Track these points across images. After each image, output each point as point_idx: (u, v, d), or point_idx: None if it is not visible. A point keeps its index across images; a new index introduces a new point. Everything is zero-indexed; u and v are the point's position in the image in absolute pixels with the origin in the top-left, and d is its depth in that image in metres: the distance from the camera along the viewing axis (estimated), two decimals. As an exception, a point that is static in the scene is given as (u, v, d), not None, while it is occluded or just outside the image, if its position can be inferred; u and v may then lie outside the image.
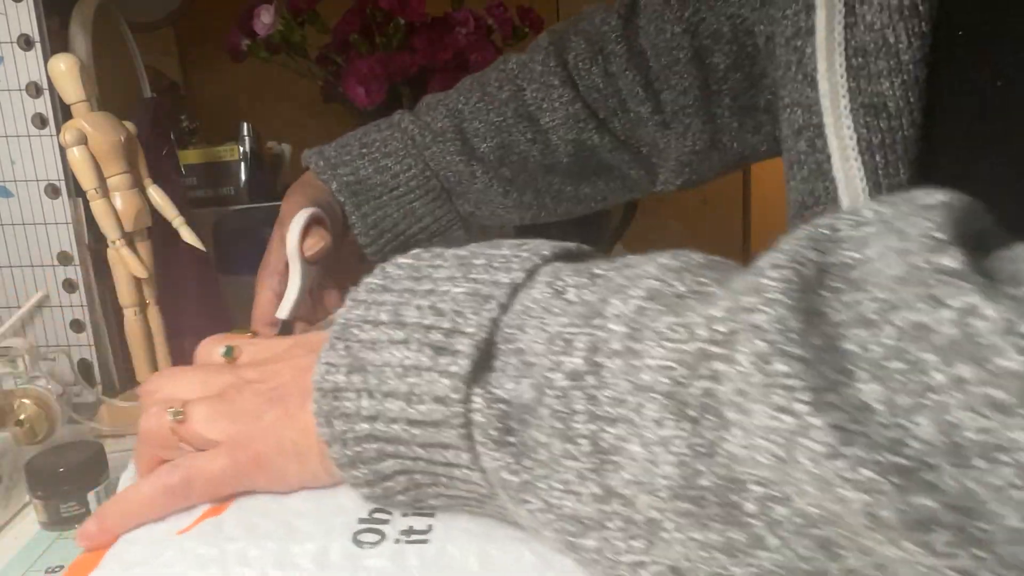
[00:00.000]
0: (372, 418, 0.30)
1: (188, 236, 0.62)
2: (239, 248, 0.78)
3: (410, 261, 0.33)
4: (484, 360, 0.29)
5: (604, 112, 0.64)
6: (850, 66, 0.40)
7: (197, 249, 0.63)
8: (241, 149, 0.88)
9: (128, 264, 0.59)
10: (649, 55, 0.63)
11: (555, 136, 0.64)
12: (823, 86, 0.42)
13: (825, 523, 0.23)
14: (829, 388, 0.22)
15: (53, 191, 0.60)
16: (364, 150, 0.64)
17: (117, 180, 0.58)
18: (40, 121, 0.59)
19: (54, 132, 0.59)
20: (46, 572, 0.42)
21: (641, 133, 0.65)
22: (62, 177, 0.60)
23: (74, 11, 0.63)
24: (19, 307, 0.62)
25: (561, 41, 0.65)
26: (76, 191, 0.60)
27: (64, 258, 0.61)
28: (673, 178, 0.66)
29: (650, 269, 0.28)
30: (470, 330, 0.29)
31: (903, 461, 0.21)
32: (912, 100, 0.39)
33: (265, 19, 0.98)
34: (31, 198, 0.60)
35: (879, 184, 0.40)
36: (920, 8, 0.38)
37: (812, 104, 0.43)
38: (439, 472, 0.31)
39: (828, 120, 0.42)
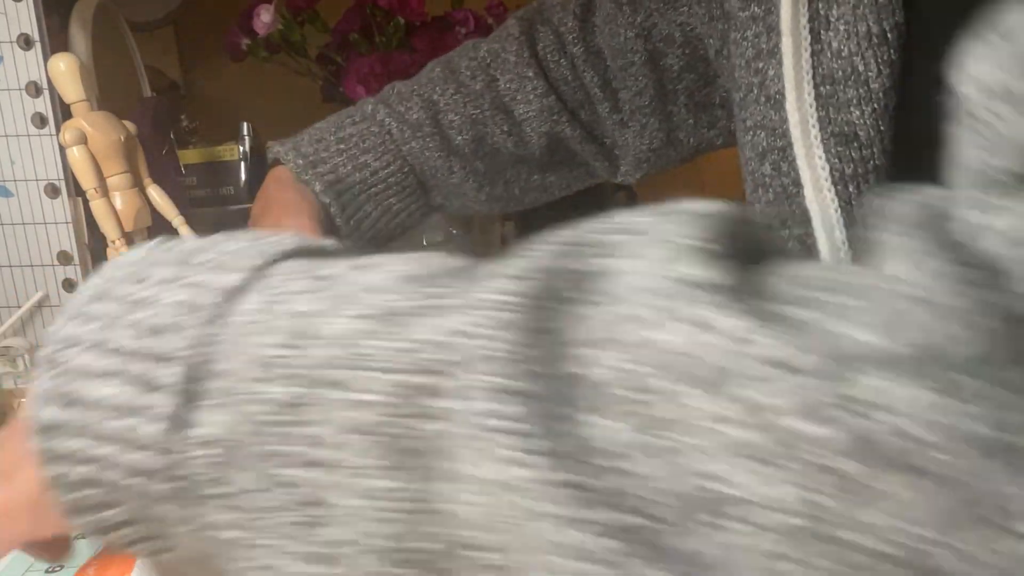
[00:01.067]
0: (90, 462, 0.26)
1: (188, 236, 0.62)
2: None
3: (136, 256, 0.28)
4: (195, 391, 0.25)
5: (573, 104, 0.64)
6: (819, 94, 0.40)
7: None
8: (241, 149, 0.88)
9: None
10: (606, 55, 0.64)
11: (529, 128, 0.64)
12: (793, 116, 0.41)
13: None
14: (545, 431, 0.19)
15: (53, 191, 0.60)
16: (341, 146, 0.61)
17: (117, 180, 0.58)
18: (40, 121, 0.59)
19: (54, 132, 0.59)
20: (46, 572, 0.42)
21: (603, 128, 0.65)
22: (62, 177, 0.60)
23: (74, 11, 0.63)
24: (19, 307, 0.62)
25: (531, 30, 0.65)
26: (76, 191, 0.60)
27: (64, 258, 0.61)
28: (632, 171, 0.67)
29: (377, 278, 0.24)
30: (181, 353, 0.25)
31: (629, 518, 0.18)
32: (883, 129, 0.38)
33: (265, 18, 0.98)
34: (31, 198, 0.60)
35: (852, 215, 0.40)
36: (888, 36, 0.38)
37: (776, 127, 0.43)
38: (156, 529, 0.26)
39: (799, 150, 0.41)
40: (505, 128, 0.64)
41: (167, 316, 0.25)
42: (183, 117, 0.98)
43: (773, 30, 0.42)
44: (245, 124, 0.89)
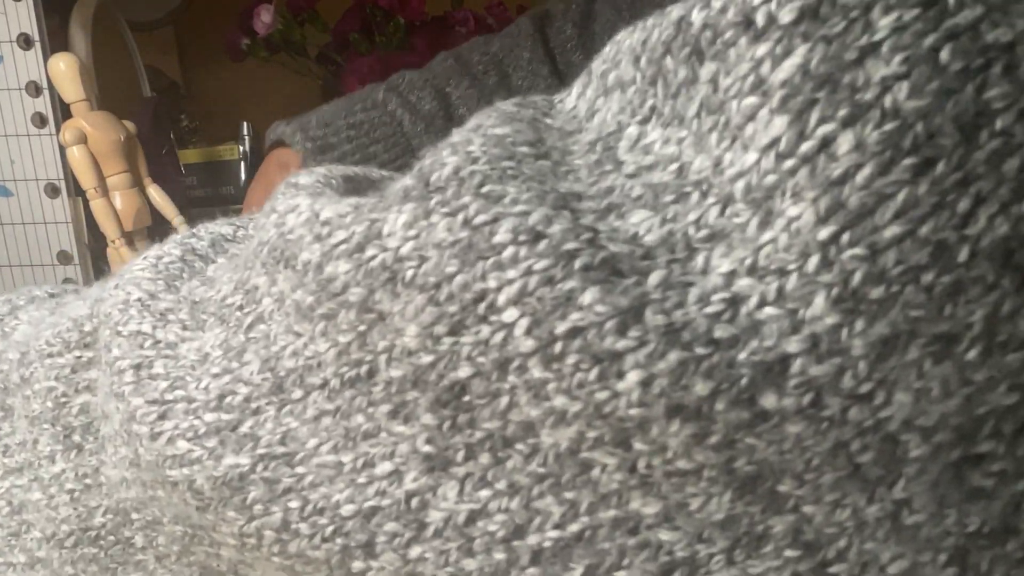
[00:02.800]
0: None
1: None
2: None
3: None
4: None
5: None
6: None
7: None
8: (241, 148, 0.88)
9: (128, 263, 0.59)
10: None
11: None
12: None
13: (193, 541, 0.20)
14: (161, 354, 0.19)
15: (53, 190, 0.60)
16: (352, 132, 0.60)
17: (117, 179, 0.58)
18: (40, 120, 0.59)
19: (54, 131, 0.59)
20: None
21: None
22: (62, 176, 0.60)
23: (74, 10, 0.63)
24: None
25: (542, 29, 0.64)
26: (76, 190, 0.60)
27: (64, 257, 0.61)
28: None
29: (92, 290, 0.25)
30: None
31: (223, 416, 0.18)
32: None
33: (265, 18, 0.98)
34: (31, 197, 0.60)
35: None
36: None
37: None
38: None
39: None
40: None
41: None
42: (183, 117, 0.98)
43: None
44: (245, 124, 0.89)
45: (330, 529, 0.17)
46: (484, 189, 0.15)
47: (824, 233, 0.13)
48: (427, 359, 0.16)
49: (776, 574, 0.15)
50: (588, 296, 0.14)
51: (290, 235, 0.18)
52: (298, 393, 0.18)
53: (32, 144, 0.60)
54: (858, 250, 0.13)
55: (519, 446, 0.16)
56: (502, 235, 0.15)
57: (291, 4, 0.99)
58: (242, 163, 0.88)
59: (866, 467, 0.14)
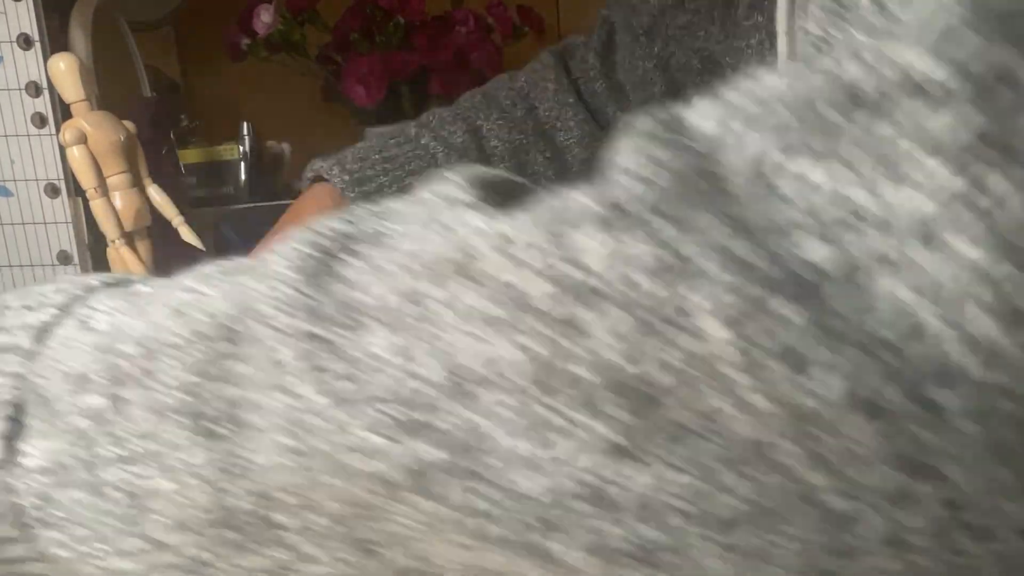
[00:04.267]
0: None
1: (188, 236, 0.62)
2: (239, 248, 0.78)
3: None
4: (21, 426, 0.25)
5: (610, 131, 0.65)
6: None
7: (197, 249, 0.63)
8: (241, 148, 0.88)
9: (128, 264, 0.59)
10: (628, 90, 0.64)
11: (570, 156, 0.64)
12: None
13: (358, 520, 0.21)
14: (332, 354, 0.20)
15: (53, 191, 0.60)
16: (387, 165, 0.61)
17: (117, 179, 0.58)
18: (40, 120, 0.59)
19: (54, 131, 0.59)
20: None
21: None
22: (62, 176, 0.60)
23: (74, 10, 0.63)
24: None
25: (564, 62, 0.66)
26: (76, 190, 0.60)
27: (64, 258, 0.61)
28: None
29: (184, 281, 0.25)
30: (2, 397, 0.25)
31: (409, 412, 0.20)
32: None
33: (265, 18, 0.98)
34: (31, 197, 0.60)
35: None
36: None
37: None
38: (14, 571, 0.26)
39: None
40: (548, 155, 0.64)
41: None
42: (183, 117, 0.98)
43: (774, 36, 0.43)
44: (245, 124, 0.89)
45: (521, 511, 0.19)
46: (672, 213, 0.18)
47: (992, 266, 0.16)
48: (621, 363, 0.18)
49: (923, 524, 0.17)
50: (787, 312, 0.16)
51: (473, 252, 0.19)
52: (482, 392, 0.19)
53: (32, 144, 0.60)
54: (1020, 277, 0.16)
55: (707, 434, 0.18)
56: (698, 257, 0.17)
57: (291, 4, 0.99)
58: (242, 163, 0.88)
59: (1015, 449, 0.16)
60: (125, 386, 0.24)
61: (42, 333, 0.26)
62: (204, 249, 0.63)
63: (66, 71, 0.56)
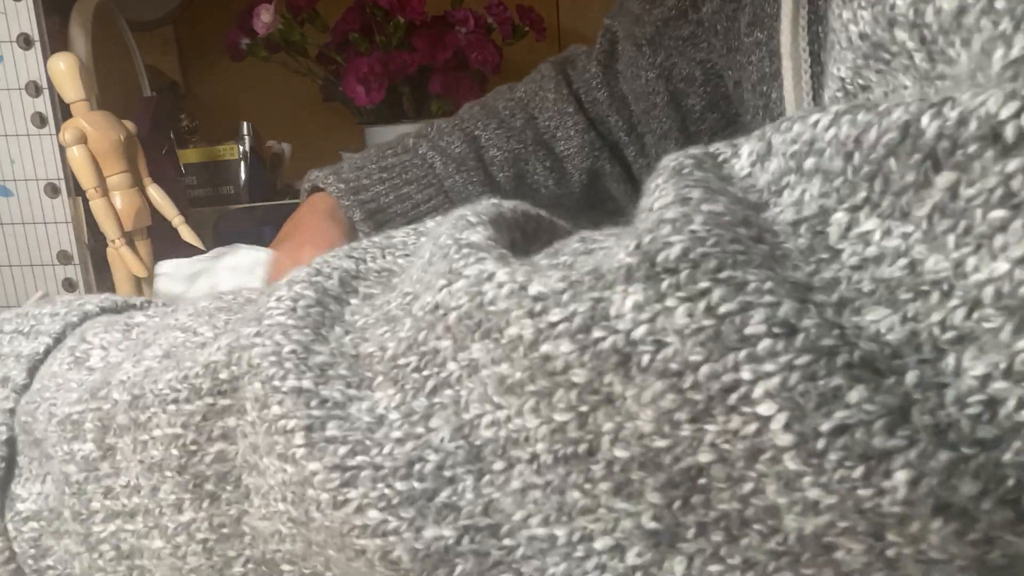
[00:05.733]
0: None
1: (188, 235, 0.62)
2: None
3: None
4: (14, 466, 0.25)
5: (611, 141, 0.65)
6: None
7: (197, 248, 0.63)
8: (241, 148, 0.88)
9: (128, 263, 0.59)
10: (630, 100, 0.64)
11: (570, 165, 0.64)
12: None
13: None
14: (329, 417, 0.18)
15: (53, 190, 0.60)
16: (384, 175, 0.60)
17: (117, 179, 0.58)
18: (40, 120, 0.59)
19: (54, 131, 0.59)
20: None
21: (634, 171, 0.66)
22: (62, 176, 0.60)
23: (73, 10, 0.63)
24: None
25: (564, 72, 0.66)
26: (76, 190, 0.60)
27: (64, 257, 0.61)
28: None
29: (180, 317, 0.24)
30: None
31: (416, 485, 0.18)
32: None
33: (265, 18, 0.98)
34: (31, 197, 0.60)
35: None
36: None
37: None
38: None
39: None
40: (548, 164, 0.64)
41: None
42: (183, 117, 0.98)
43: (775, 54, 0.43)
44: (245, 124, 0.89)
45: None
46: (723, 275, 0.15)
47: None
48: (662, 443, 0.16)
49: None
50: (855, 395, 0.14)
51: (491, 307, 0.17)
52: (500, 465, 0.17)
53: (32, 144, 0.60)
54: None
55: (758, 527, 0.16)
56: (754, 327, 0.15)
57: (291, 4, 0.99)
58: (242, 163, 0.88)
59: None
60: (116, 435, 0.22)
61: (35, 364, 0.25)
62: (204, 249, 0.63)
63: (66, 71, 0.56)
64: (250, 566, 0.21)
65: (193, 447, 0.21)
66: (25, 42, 0.58)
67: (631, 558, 0.17)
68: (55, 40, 0.60)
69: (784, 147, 0.18)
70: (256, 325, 0.20)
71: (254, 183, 0.89)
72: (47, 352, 0.26)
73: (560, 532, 0.17)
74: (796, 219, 0.17)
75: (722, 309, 0.15)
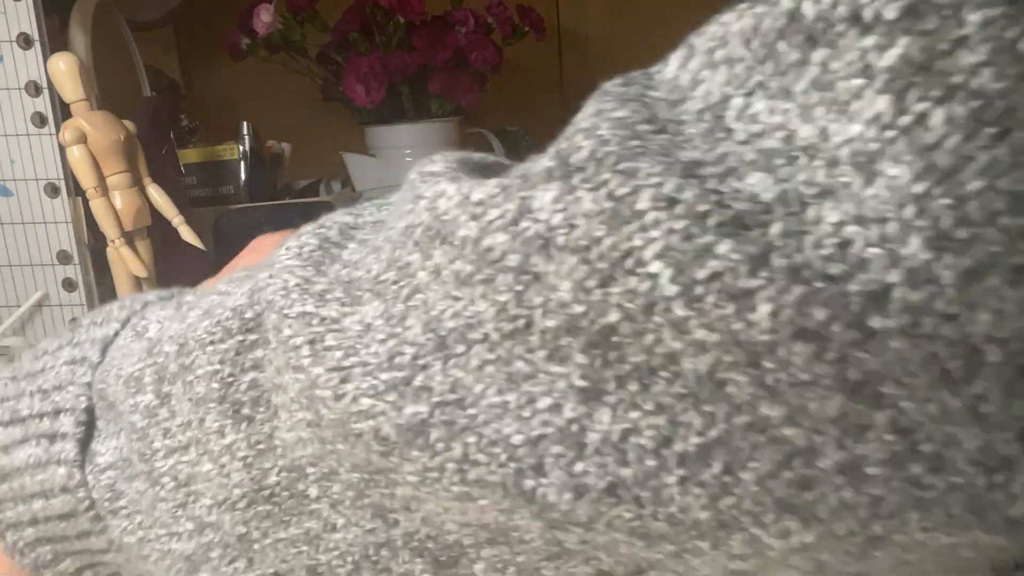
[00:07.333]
0: (33, 522, 0.29)
1: (188, 235, 0.62)
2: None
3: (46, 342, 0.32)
4: (92, 429, 0.29)
5: None
6: None
7: (197, 248, 0.63)
8: (241, 148, 0.88)
9: (128, 263, 0.59)
10: None
11: None
12: None
13: (370, 486, 0.23)
14: (329, 329, 0.22)
15: (53, 190, 0.60)
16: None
17: (117, 179, 0.58)
18: (39, 120, 0.59)
19: (53, 131, 0.59)
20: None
21: None
22: (62, 176, 0.60)
23: (73, 10, 0.63)
24: (19, 306, 0.62)
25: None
26: (76, 190, 0.60)
27: (64, 257, 0.61)
28: None
29: (219, 286, 0.28)
30: (68, 405, 0.29)
31: (396, 374, 0.21)
32: None
33: (265, 18, 0.98)
34: (31, 197, 0.60)
35: None
36: None
37: None
38: (96, 561, 0.30)
39: None
40: None
41: (59, 378, 0.29)
42: (183, 117, 0.98)
43: None
44: (245, 124, 0.89)
45: (504, 456, 0.20)
46: (620, 166, 0.18)
47: (919, 187, 0.16)
48: (579, 309, 0.19)
49: (876, 453, 0.18)
50: (723, 247, 0.17)
51: (445, 216, 0.21)
52: (461, 348, 0.20)
53: (32, 144, 0.60)
54: (947, 200, 0.16)
55: (663, 373, 0.19)
56: (643, 203, 0.18)
57: (291, 4, 0.99)
58: (242, 163, 0.88)
59: (953, 371, 0.17)
60: (170, 383, 0.26)
61: (106, 345, 0.30)
62: (204, 249, 0.63)
63: (66, 71, 0.56)
64: (283, 475, 0.24)
65: (230, 379, 0.25)
66: (25, 42, 0.58)
67: (567, 412, 0.20)
68: (55, 40, 0.60)
69: (702, 45, 0.21)
70: (270, 270, 0.24)
71: (254, 183, 0.89)
72: (115, 334, 0.30)
73: (511, 398, 0.20)
74: (702, 107, 0.20)
75: (618, 192, 0.18)
